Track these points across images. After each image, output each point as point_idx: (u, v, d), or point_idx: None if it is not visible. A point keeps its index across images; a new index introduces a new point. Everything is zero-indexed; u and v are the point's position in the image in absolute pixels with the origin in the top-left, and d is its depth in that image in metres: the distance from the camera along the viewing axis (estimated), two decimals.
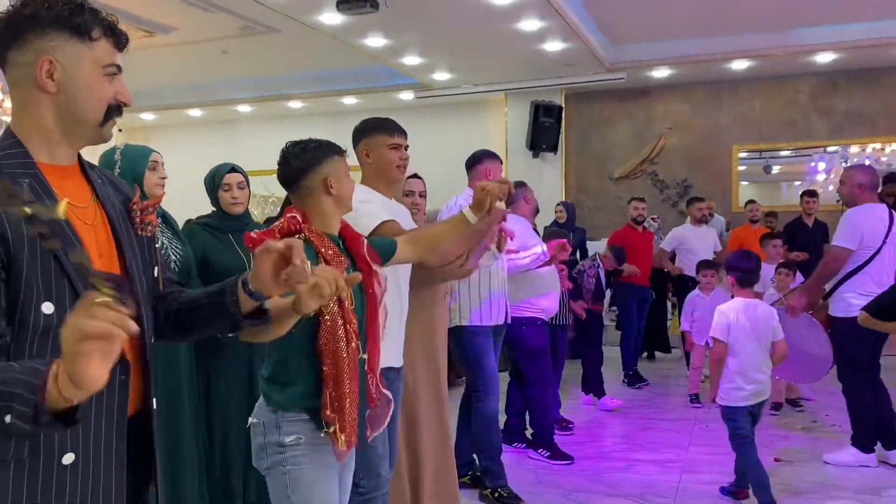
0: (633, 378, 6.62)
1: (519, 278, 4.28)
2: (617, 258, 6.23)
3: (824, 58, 8.38)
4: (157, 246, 1.55)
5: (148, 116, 11.25)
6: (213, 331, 1.54)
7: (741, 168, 9.52)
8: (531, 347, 4.42)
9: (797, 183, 9.58)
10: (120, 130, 11.70)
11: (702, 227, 7.09)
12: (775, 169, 9.61)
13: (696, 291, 6.06)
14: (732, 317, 3.64)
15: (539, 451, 4.57)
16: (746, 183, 9.54)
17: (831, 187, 9.08)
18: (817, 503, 3.87)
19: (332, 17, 6.49)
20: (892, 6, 7.24)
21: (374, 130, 2.76)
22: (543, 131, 9.22)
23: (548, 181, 9.44)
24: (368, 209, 2.61)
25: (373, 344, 2.12)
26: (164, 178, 2.82)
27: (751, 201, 7.65)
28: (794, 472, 4.33)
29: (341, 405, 1.97)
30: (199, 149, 9.86)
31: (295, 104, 10.28)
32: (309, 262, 1.40)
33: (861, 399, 4.30)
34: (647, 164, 9.79)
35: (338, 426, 1.97)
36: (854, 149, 9.15)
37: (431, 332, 3.17)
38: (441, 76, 9.06)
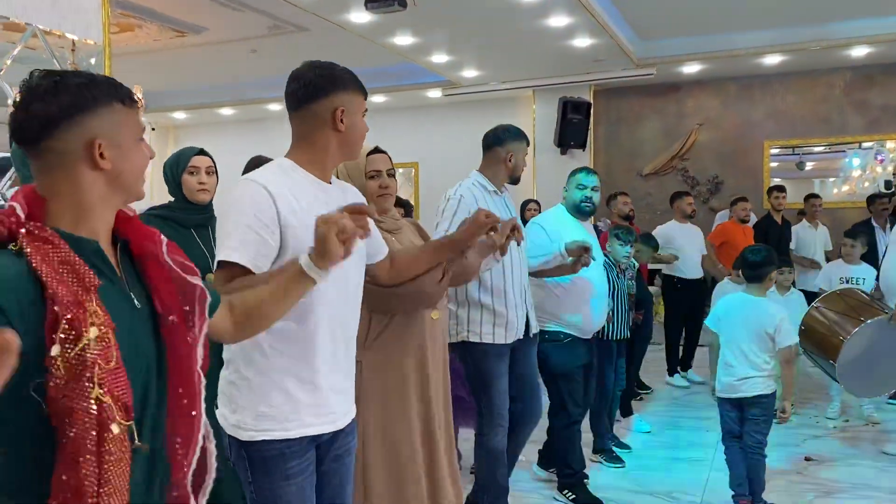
0: (642, 384, 6.33)
1: (548, 287, 3.69)
2: (652, 247, 5.52)
3: (859, 51, 8.22)
4: None
5: (180, 115, 11.42)
6: None
7: (773, 164, 9.40)
8: (552, 368, 3.76)
9: (831, 179, 9.43)
10: (153, 129, 11.89)
11: (687, 224, 6.66)
12: (809, 165, 9.47)
13: (725, 280, 5.97)
14: (722, 309, 3.73)
15: (564, 492, 3.90)
16: (779, 179, 9.39)
17: (867, 183, 8.94)
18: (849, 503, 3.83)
19: (360, 16, 6.53)
20: None
21: (352, 86, 1.94)
22: (572, 128, 9.18)
23: None
24: (231, 217, 1.80)
25: (181, 432, 1.28)
26: None
27: (741, 198, 7.08)
28: (826, 472, 4.28)
29: None
30: (231, 147, 9.92)
31: None
32: None
33: None
34: (676, 160, 9.70)
35: None
36: (891, 144, 8.97)
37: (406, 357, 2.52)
38: (469, 73, 9.07)
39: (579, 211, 3.81)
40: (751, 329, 3.57)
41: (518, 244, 2.55)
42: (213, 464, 1.36)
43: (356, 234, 1.51)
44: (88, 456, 1.08)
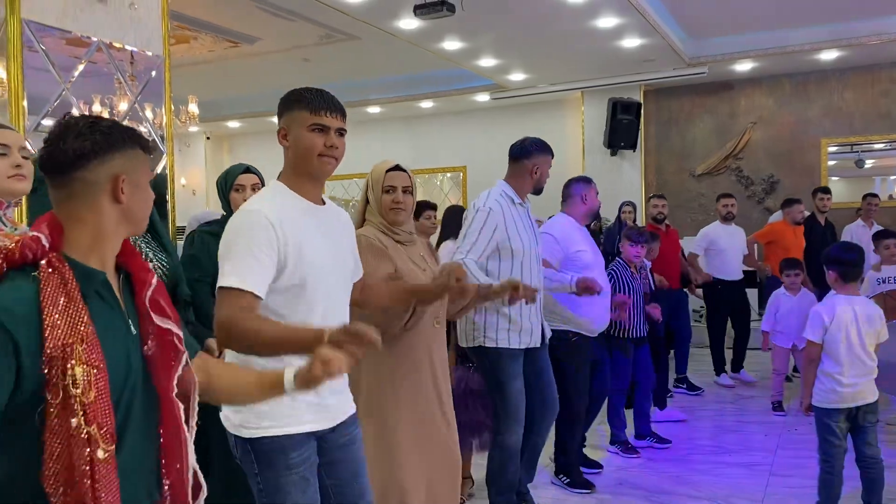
0: (691, 385, 6.28)
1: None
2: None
3: None
4: None
5: (234, 124, 11.67)
6: None
7: (831, 163, 9.15)
8: (561, 366, 3.89)
9: (892, 177, 9.14)
10: (208, 138, 12.19)
11: (730, 225, 6.65)
12: (868, 163, 9.19)
13: (781, 290, 5.81)
14: (828, 317, 3.43)
15: (560, 476, 4.14)
16: (837, 178, 9.16)
17: None
18: None
19: (409, 23, 6.59)
20: None
21: (296, 104, 2.03)
22: (622, 128, 9.10)
23: (627, 179, 9.31)
24: (235, 246, 1.94)
25: (177, 479, 1.39)
26: (18, 165, 2.12)
27: (796, 200, 6.92)
28: None
29: None
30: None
31: (373, 109, 10.46)
32: None
33: None
34: (730, 159, 9.52)
35: None
36: None
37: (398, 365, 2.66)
38: (517, 77, 9.06)
39: (597, 216, 3.99)
40: (865, 329, 3.41)
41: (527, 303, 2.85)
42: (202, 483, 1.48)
43: (341, 368, 1.52)
44: (84, 478, 1.21)
